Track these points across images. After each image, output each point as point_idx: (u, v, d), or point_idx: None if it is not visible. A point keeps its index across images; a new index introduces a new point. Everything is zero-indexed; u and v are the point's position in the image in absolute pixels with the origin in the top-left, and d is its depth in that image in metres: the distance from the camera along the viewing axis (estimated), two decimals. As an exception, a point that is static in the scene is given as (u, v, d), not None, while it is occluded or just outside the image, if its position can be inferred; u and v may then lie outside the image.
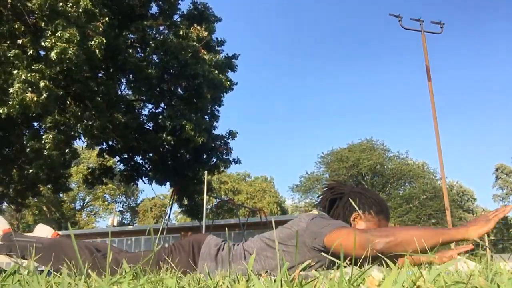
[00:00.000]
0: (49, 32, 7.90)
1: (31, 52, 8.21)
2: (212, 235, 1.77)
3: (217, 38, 12.67)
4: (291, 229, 1.56)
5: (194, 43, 10.93)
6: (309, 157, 59.04)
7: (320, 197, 1.79)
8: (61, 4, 7.93)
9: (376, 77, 58.13)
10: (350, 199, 1.65)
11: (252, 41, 61.27)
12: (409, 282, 0.66)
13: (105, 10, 9.20)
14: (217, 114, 12.77)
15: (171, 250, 1.67)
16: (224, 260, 1.60)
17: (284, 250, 1.53)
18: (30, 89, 7.64)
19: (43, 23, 8.05)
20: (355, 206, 1.62)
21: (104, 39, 8.31)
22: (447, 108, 52.42)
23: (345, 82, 58.44)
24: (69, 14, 7.93)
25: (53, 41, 7.71)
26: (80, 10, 7.99)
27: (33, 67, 7.88)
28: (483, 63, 54.39)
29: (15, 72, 7.71)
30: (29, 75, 7.64)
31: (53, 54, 7.70)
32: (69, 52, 7.64)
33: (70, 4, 7.93)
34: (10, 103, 7.71)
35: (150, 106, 12.54)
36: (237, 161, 12.82)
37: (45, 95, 7.79)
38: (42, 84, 7.71)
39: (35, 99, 7.64)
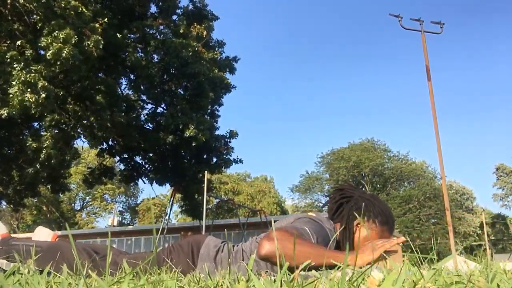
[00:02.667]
0: (46, 31, 7.89)
1: (30, 52, 8.20)
2: (211, 236, 1.77)
3: (217, 39, 12.68)
4: (280, 225, 1.58)
5: (194, 42, 10.94)
6: (309, 157, 59.14)
7: (329, 198, 1.78)
8: (56, 3, 7.92)
9: (376, 78, 58.18)
10: (358, 205, 1.66)
11: (252, 40, 61.32)
12: (410, 282, 0.66)
13: (105, 11, 9.20)
14: (217, 113, 12.78)
15: (170, 251, 1.67)
16: (223, 261, 1.61)
17: None
18: (29, 89, 7.63)
19: (41, 23, 8.05)
20: (359, 213, 1.62)
21: (101, 37, 8.29)
22: (447, 108, 52.45)
23: (345, 82, 58.49)
24: (66, 14, 7.92)
25: (49, 41, 7.71)
26: (72, 12, 7.98)
27: (32, 67, 7.87)
28: (483, 63, 54.44)
29: (14, 72, 7.71)
30: (28, 75, 7.64)
31: (49, 54, 7.70)
32: (65, 52, 7.64)
33: (63, 4, 7.91)
34: (11, 103, 7.71)
35: (150, 106, 12.57)
36: (238, 161, 12.81)
37: (43, 95, 7.79)
38: (40, 84, 7.71)
39: (34, 100, 7.64)
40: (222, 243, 1.70)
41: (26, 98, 7.58)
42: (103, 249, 1.80)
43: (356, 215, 1.60)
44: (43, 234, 2.04)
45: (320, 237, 1.47)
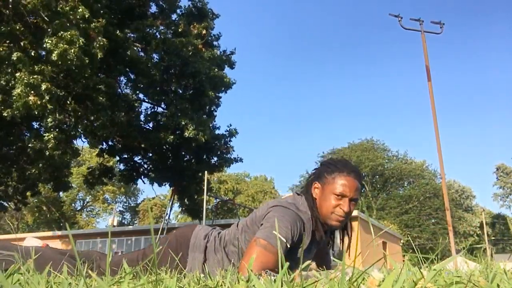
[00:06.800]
0: (50, 32, 7.88)
1: (33, 53, 8.20)
2: (201, 225, 1.78)
3: (213, 34, 12.65)
4: (255, 213, 1.60)
5: (194, 41, 10.93)
6: (309, 157, 59.11)
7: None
8: (60, 5, 7.91)
9: (377, 78, 58.17)
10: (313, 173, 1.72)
11: (252, 40, 61.31)
12: (410, 282, 0.66)
13: (106, 10, 9.18)
14: (214, 113, 12.76)
15: (160, 250, 1.65)
16: (210, 252, 1.63)
17: (248, 240, 1.55)
18: (32, 92, 7.63)
19: (43, 23, 8.04)
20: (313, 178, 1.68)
21: (106, 40, 8.30)
22: (447, 108, 52.45)
23: (345, 82, 58.46)
24: (70, 16, 7.91)
25: (53, 42, 7.69)
26: (78, 17, 7.97)
27: (35, 68, 7.86)
28: (483, 63, 54.42)
29: (17, 74, 7.70)
30: (31, 77, 7.63)
31: (54, 56, 7.69)
32: (71, 53, 7.63)
33: (68, 8, 7.90)
34: (14, 105, 7.71)
35: (150, 105, 12.54)
36: (238, 160, 12.78)
37: (47, 97, 7.79)
38: (44, 86, 7.71)
39: (38, 102, 7.65)
40: (211, 231, 1.71)
41: (30, 102, 7.59)
42: (84, 254, 1.72)
43: (312, 180, 1.65)
44: (32, 244, 1.99)
45: (295, 229, 1.48)
